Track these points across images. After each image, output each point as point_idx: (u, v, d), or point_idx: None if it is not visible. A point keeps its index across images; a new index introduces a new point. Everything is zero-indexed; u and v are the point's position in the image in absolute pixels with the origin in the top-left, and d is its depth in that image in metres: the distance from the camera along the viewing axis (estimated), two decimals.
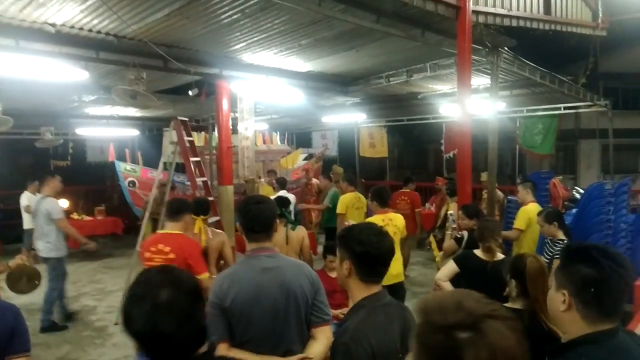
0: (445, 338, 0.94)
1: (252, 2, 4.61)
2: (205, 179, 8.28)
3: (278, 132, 13.69)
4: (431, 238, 6.26)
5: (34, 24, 5.13)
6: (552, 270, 2.23)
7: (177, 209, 4.05)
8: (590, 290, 1.42)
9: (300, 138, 15.73)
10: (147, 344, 1.36)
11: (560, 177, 7.30)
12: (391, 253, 1.95)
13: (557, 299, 1.49)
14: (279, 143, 13.54)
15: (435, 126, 13.00)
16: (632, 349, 1.46)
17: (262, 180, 9.73)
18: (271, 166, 11.65)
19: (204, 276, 3.85)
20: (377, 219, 4.82)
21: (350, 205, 7.15)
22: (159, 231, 4.63)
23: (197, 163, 8.15)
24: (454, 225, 5.16)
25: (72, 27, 5.27)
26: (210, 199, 7.48)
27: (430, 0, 4.79)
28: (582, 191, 6.65)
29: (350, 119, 12.60)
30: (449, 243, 5.08)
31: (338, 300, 4.67)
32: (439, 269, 5.78)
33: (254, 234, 2.41)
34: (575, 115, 10.75)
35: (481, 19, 5.51)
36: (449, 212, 5.33)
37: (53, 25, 5.19)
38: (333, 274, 4.82)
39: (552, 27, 6.80)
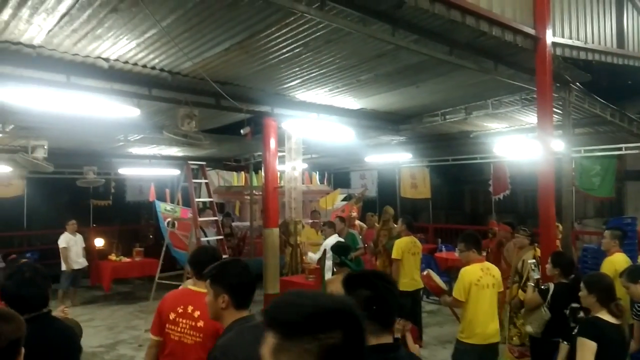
0: None
1: (318, 34, 4.33)
2: (216, 218, 8.19)
3: (317, 172, 13.33)
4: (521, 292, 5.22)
5: (87, 59, 4.95)
6: None
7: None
8: (373, 308, 1.68)
9: (338, 178, 15.28)
10: (12, 302, 2.24)
11: None
12: (254, 281, 2.25)
13: None
14: (319, 183, 13.17)
15: (475, 166, 12.37)
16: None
17: (305, 222, 9.31)
18: (311, 207, 11.23)
19: None
20: (475, 269, 4.09)
21: (407, 250, 6.61)
22: (187, 286, 3.14)
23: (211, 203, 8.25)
24: (537, 276, 4.59)
25: (126, 62, 5.07)
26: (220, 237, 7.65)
27: (508, 30, 4.45)
28: None
29: (391, 158, 12.17)
30: (532, 295, 4.49)
31: None
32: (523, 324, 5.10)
33: None
34: (619, 155, 10.01)
35: (558, 51, 5.12)
36: (530, 261, 4.76)
37: (107, 60, 5.00)
38: None
39: (626, 61, 6.35)
